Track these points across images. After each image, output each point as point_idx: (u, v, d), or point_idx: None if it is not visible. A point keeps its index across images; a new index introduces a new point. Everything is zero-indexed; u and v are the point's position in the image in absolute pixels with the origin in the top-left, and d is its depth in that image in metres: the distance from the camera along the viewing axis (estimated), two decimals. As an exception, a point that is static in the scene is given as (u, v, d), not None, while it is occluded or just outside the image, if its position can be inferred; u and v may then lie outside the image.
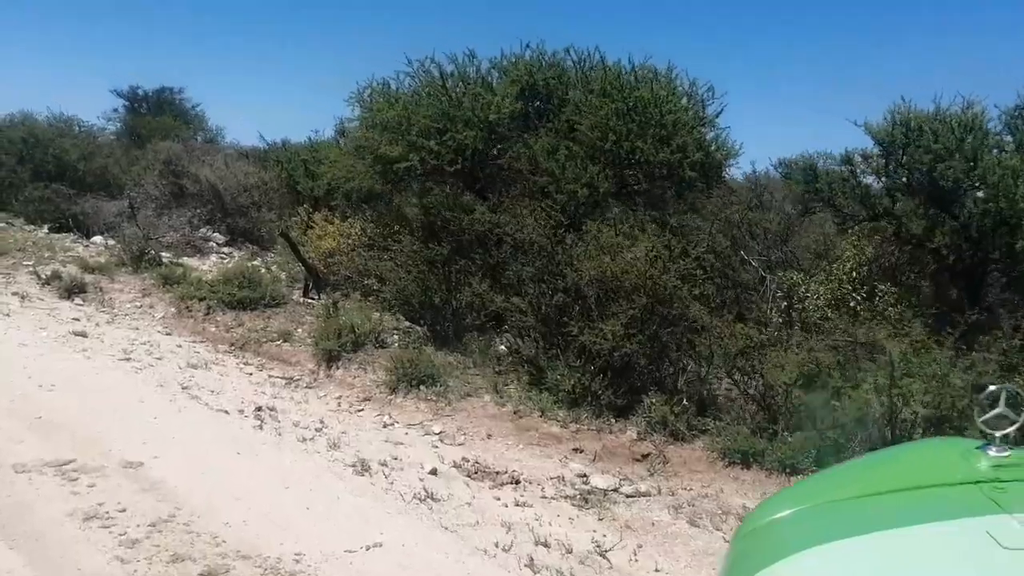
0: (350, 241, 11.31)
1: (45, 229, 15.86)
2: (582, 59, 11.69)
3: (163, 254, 14.13)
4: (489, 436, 7.32)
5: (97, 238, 15.48)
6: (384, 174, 10.68)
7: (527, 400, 7.97)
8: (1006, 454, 1.57)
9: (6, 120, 18.65)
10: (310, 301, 11.54)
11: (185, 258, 14.89)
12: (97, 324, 9.78)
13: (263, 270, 13.42)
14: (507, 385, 8.35)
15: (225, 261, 15.96)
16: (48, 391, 6.56)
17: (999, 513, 1.38)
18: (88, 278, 11.62)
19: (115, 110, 38.51)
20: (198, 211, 16.77)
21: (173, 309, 10.80)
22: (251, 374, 8.69)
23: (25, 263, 12.23)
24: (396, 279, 9.91)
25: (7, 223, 15.29)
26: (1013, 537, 1.29)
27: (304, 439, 6.40)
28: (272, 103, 67.51)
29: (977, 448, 1.63)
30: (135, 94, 39.45)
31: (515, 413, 7.74)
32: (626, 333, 7.51)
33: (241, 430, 6.32)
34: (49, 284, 11.32)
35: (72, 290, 11.05)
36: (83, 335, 8.90)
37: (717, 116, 10.83)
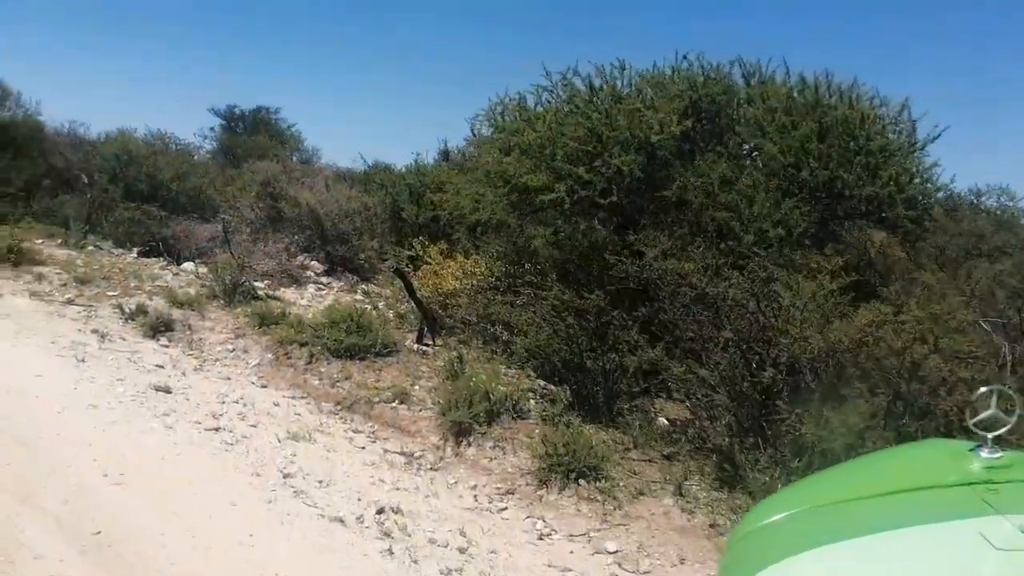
0: (475, 281, 9.72)
1: (134, 253, 14.91)
2: (751, 71, 9.91)
3: (257, 284, 12.89)
4: (682, 560, 5.54)
5: (188, 265, 14.41)
6: (518, 205, 9.06)
7: (721, 505, 6.16)
8: (998, 456, 1.56)
9: (101, 137, 17.91)
10: (425, 348, 9.99)
11: (281, 288, 13.63)
12: (183, 373, 8.43)
13: (369, 308, 12.00)
14: (688, 480, 6.54)
15: (323, 293, 14.71)
16: (114, 484, 5.12)
17: (992, 514, 1.37)
18: (176, 313, 10.37)
19: (211, 129, 38.57)
20: (296, 237, 15.57)
21: (270, 355, 9.40)
22: (364, 448, 7.15)
23: (109, 293, 11.09)
24: (533, 330, 8.25)
25: (96, 246, 14.36)
26: (1006, 538, 1.28)
27: (449, 572, 4.72)
28: (365, 124, 67.65)
29: (970, 450, 1.61)
30: (232, 113, 39.48)
31: (711, 527, 5.92)
32: (867, 426, 5.63)
33: (366, 557, 4.69)
34: (133, 320, 10.11)
35: (158, 328, 9.79)
36: (166, 390, 7.52)
37: (933, 141, 8.85)
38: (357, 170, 23.60)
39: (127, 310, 10.26)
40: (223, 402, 7.64)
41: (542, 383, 8.78)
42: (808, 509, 1.68)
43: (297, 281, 15.08)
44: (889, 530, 1.45)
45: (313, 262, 15.98)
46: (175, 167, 16.86)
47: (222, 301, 11.56)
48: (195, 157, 20.21)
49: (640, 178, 8.69)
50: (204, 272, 13.68)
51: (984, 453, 1.59)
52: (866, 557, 1.42)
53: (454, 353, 9.01)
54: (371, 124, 66.81)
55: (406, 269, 10.71)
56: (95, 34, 68.90)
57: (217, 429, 6.62)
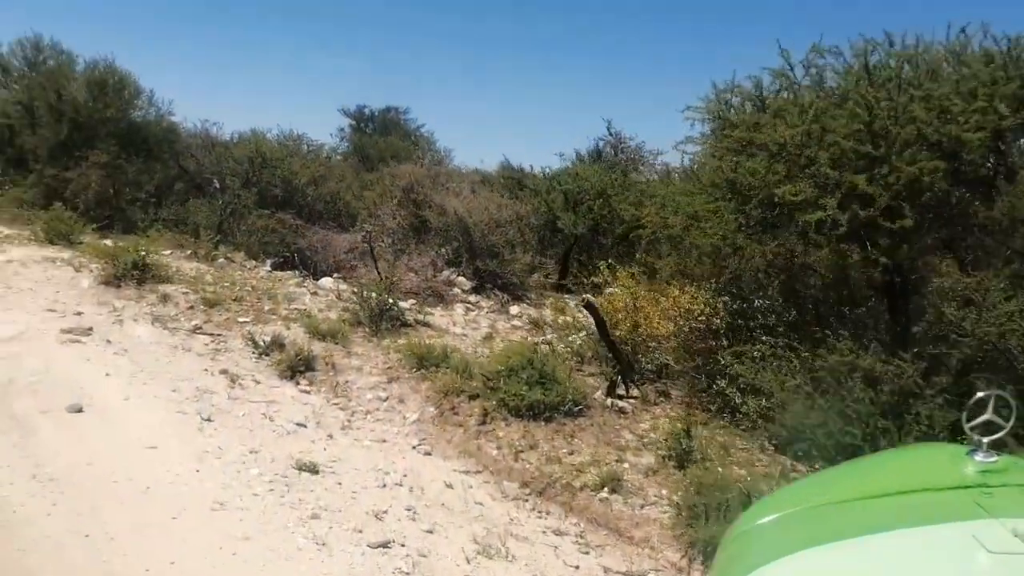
0: (692, 323, 7.61)
1: (267, 266, 13.56)
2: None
3: (402, 304, 11.19)
4: None
5: (326, 280, 12.93)
6: (762, 223, 6.90)
7: None
8: (993, 459, 1.57)
9: (234, 138, 16.80)
10: (621, 404, 7.96)
11: (426, 309, 11.90)
12: (330, 435, 6.73)
13: (540, 344, 10.09)
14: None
15: (474, 315, 12.92)
16: None
17: (986, 518, 1.38)
18: (317, 347, 8.77)
19: (341, 129, 38.03)
20: (442, 250, 13.86)
21: (432, 408, 7.60)
22: (577, 567, 5.15)
23: (241, 319, 9.60)
24: (795, 399, 6.06)
25: (227, 258, 13.08)
26: (999, 542, 1.29)
27: None
28: (487, 124, 66.52)
29: (965, 453, 1.62)
30: (361, 113, 38.89)
31: None
32: None
33: None
34: (267, 355, 8.54)
35: (296, 367, 8.18)
36: (311, 469, 5.78)
37: None
38: (485, 171, 22.05)
39: (261, 342, 8.70)
40: (383, 485, 5.85)
41: (791, 463, 6.60)
42: (802, 510, 1.68)
43: (443, 300, 13.36)
44: (882, 531, 1.45)
45: (460, 278, 14.25)
46: (311, 171, 15.51)
47: (367, 329, 9.93)
48: (330, 160, 18.85)
49: (940, 192, 6.35)
50: (345, 290, 12.14)
51: (979, 457, 1.58)
52: (859, 558, 1.41)
53: (673, 422, 6.95)
54: (494, 124, 65.69)
55: (591, 299, 8.67)
56: (225, 29, 70.71)
57: (386, 545, 4.77)
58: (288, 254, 14.12)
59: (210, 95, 57.72)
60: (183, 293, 10.29)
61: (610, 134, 20.13)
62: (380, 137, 31.40)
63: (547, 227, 15.31)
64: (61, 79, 14.44)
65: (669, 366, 8.54)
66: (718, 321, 7.55)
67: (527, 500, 6.17)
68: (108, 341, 8.10)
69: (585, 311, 8.41)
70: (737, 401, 6.93)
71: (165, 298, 9.94)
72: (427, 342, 9.34)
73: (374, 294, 10.26)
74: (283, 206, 15.07)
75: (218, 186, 14.15)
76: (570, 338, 10.49)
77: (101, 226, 13.77)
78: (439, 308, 12.83)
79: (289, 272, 13.41)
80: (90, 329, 8.36)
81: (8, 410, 5.94)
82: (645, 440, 7.30)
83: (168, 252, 12.90)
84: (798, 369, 6.20)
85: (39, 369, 6.88)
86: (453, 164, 31.37)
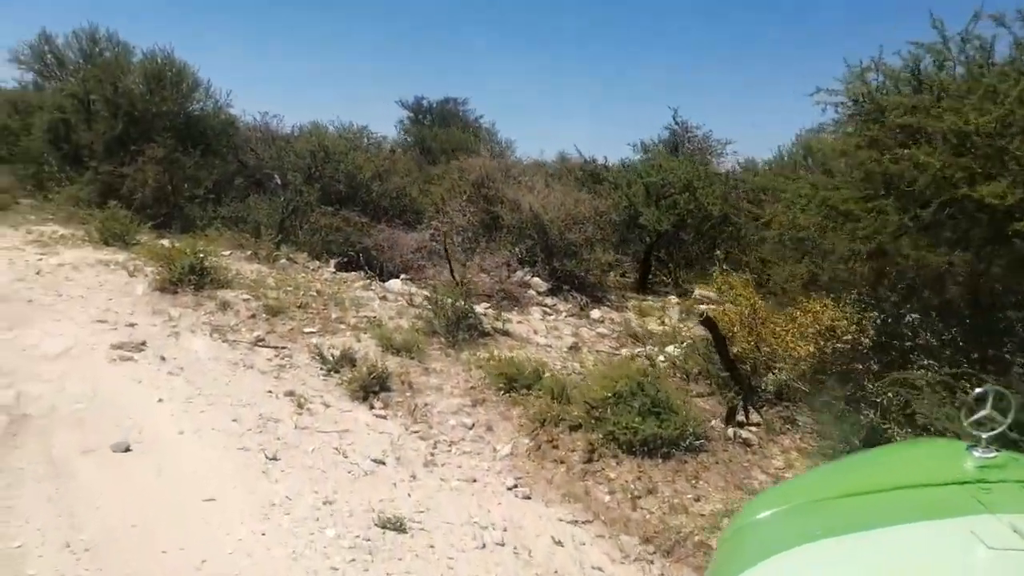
0: (836, 344, 6.44)
1: (331, 267, 12.71)
2: None
3: (476, 308, 10.22)
4: None
5: (394, 283, 12.03)
6: (935, 226, 5.73)
7: None
8: (992, 455, 1.55)
9: (295, 131, 16.01)
10: (744, 435, 6.84)
11: (503, 314, 10.91)
12: (413, 475, 5.78)
13: (642, 358, 9.04)
14: None
15: (552, 319, 11.90)
16: None
17: (984, 513, 1.38)
18: (391, 363, 7.85)
19: (400, 121, 37.36)
20: (516, 248, 12.84)
21: (526, 440, 6.59)
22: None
23: (306, 329, 8.74)
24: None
25: (289, 259, 12.26)
26: (998, 537, 1.29)
27: None
28: (555, 115, 65.37)
29: (964, 449, 1.60)
30: (419, 105, 38.14)
31: None
32: None
33: None
34: (337, 372, 7.64)
35: (369, 387, 7.26)
36: (397, 527, 4.83)
37: None
38: (544, 162, 20.95)
39: (329, 357, 7.81)
40: (482, 544, 4.87)
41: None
42: (799, 505, 1.68)
43: (518, 303, 12.38)
44: (880, 527, 1.44)
45: (535, 279, 13.23)
46: (375, 165, 14.64)
47: (443, 340, 8.99)
48: (394, 153, 17.96)
49: None
50: (415, 294, 11.23)
51: (978, 453, 1.57)
52: (857, 553, 1.40)
53: (809, 458, 5.82)
54: (547, 115, 64.51)
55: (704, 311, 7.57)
56: (280, 21, 70.78)
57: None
58: (352, 254, 13.28)
59: (263, 88, 57.70)
60: (244, 300, 9.47)
61: (676, 123, 18.93)
62: (440, 129, 30.56)
63: (627, 224, 14.16)
64: (117, 71, 13.80)
65: (791, 386, 7.39)
66: (866, 340, 6.37)
67: (652, 562, 5.12)
68: (162, 358, 7.27)
69: (703, 327, 7.29)
70: (896, 436, 5.76)
71: (225, 305, 9.12)
72: (511, 356, 8.37)
73: (450, 300, 9.29)
74: (346, 203, 14.25)
75: (279, 182, 13.36)
76: (668, 349, 9.40)
77: (157, 224, 13.10)
78: (515, 312, 11.86)
79: (354, 273, 12.55)
80: (143, 343, 7.55)
81: (46, 450, 5.12)
82: (777, 480, 6.19)
83: (227, 253, 12.14)
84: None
85: (85, 394, 6.06)
86: (516, 156, 30.49)
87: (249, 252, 12.33)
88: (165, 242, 12.52)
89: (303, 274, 11.74)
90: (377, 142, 18.61)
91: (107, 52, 14.73)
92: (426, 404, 7.27)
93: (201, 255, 9.83)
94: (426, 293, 11.00)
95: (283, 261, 12.21)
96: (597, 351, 10.13)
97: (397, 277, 12.81)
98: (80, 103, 14.72)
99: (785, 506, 1.70)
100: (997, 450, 1.57)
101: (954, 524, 1.39)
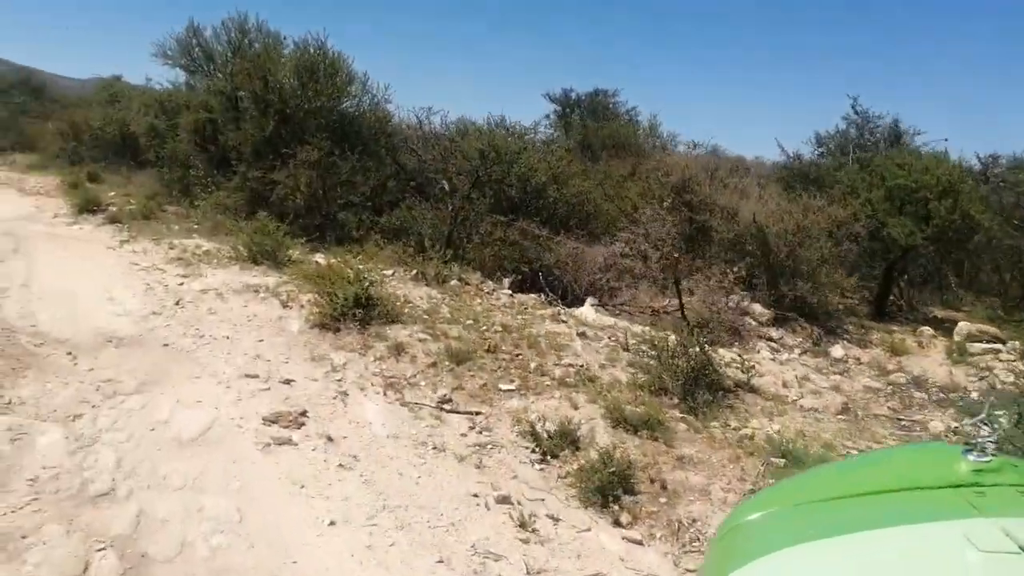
0: None
1: (505, 287, 10.71)
2: None
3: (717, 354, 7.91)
4: None
5: (587, 311, 9.90)
6: None
7: None
8: (987, 459, 1.55)
9: (454, 125, 14.12)
10: None
11: (721, 349, 8.59)
12: None
13: (947, 435, 6.55)
14: None
15: (785, 359, 9.47)
16: None
17: (977, 517, 1.39)
18: (629, 444, 5.68)
19: (547, 116, 35.43)
20: (736, 268, 10.42)
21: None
22: None
23: (503, 387, 6.73)
24: None
25: (460, 279, 10.30)
26: (990, 541, 1.30)
27: None
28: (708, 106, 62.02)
29: (959, 453, 1.59)
30: (568, 98, 36.07)
31: None
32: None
33: None
34: (555, 458, 5.56)
35: (607, 490, 5.10)
36: None
37: None
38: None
39: (544, 435, 5.72)
40: None
41: None
42: (792, 506, 1.68)
43: (739, 335, 10.03)
44: (872, 529, 1.44)
45: (754, 304, 10.78)
46: (551, 167, 12.54)
47: (677, 401, 6.78)
48: (568, 151, 15.81)
49: None
50: (620, 328, 9.05)
51: (972, 456, 1.56)
52: (848, 554, 1.40)
53: None
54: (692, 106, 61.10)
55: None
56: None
57: None
58: (528, 271, 11.25)
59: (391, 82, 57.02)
60: (419, 339, 7.56)
61: (856, 112, 15.97)
62: (593, 123, 28.28)
63: (869, 237, 11.47)
64: (267, 64, 12.31)
65: None
66: None
67: None
68: (328, 438, 5.38)
69: None
70: None
71: (398, 349, 7.23)
72: (775, 429, 6.07)
73: (687, 348, 7.05)
74: (516, 211, 12.22)
75: (446, 188, 11.47)
76: (1000, 423, 6.80)
77: (311, 238, 11.47)
78: (734, 346, 9.52)
79: (532, 296, 10.50)
80: (303, 414, 5.69)
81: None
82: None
83: (390, 272, 10.35)
84: None
85: (228, 517, 4.18)
86: (678, 150, 27.80)
87: (414, 271, 10.47)
88: (319, 258, 10.87)
89: (478, 299, 9.77)
90: (546, 141, 16.58)
91: (256, 44, 13.33)
92: (692, 519, 5.05)
93: (366, 283, 7.98)
94: (638, 329, 8.81)
95: (454, 282, 10.29)
96: (875, 415, 7.64)
97: (582, 300, 10.68)
98: (228, 101, 13.37)
99: (778, 507, 1.69)
100: (993, 454, 1.55)
101: (946, 527, 1.39)
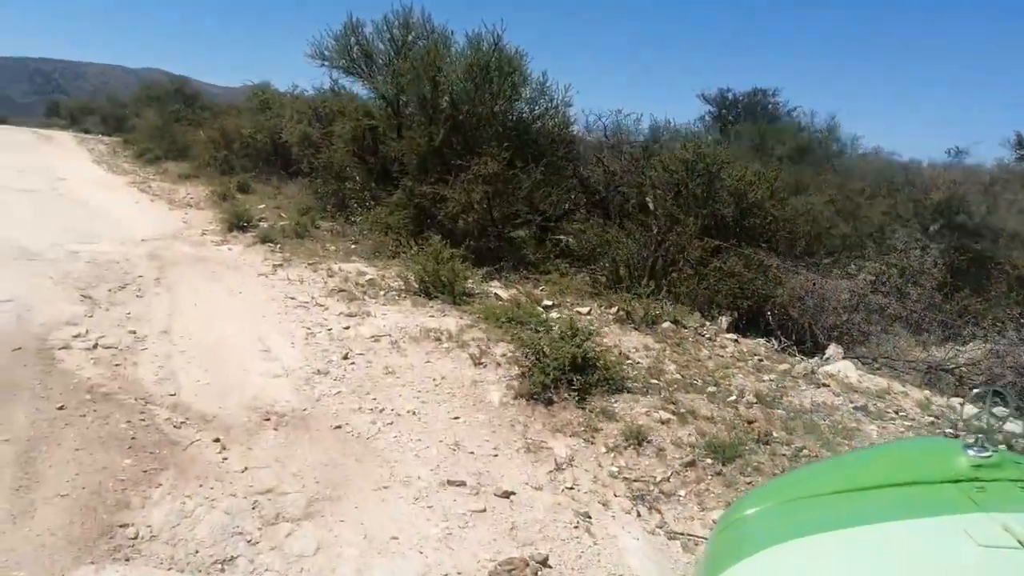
0: None
1: (722, 326, 8.61)
2: None
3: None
4: None
5: (843, 368, 7.65)
6: None
7: None
8: (987, 454, 1.58)
9: (644, 130, 12.10)
10: None
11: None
12: None
13: None
14: None
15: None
16: None
17: (977, 512, 1.40)
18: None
19: (702, 117, 33.02)
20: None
21: None
22: None
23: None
24: None
25: (675, 322, 8.27)
26: (990, 535, 1.30)
27: None
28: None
29: (959, 448, 1.62)
30: (724, 98, 33.51)
31: None
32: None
33: None
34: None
35: None
36: None
37: None
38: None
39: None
40: None
41: None
42: (792, 501, 1.66)
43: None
44: (873, 523, 1.43)
45: (1055, 361, 8.23)
46: (767, 182, 10.32)
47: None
48: (782, 163, 13.49)
49: None
50: (890, 391, 6.80)
51: (973, 452, 1.58)
52: (849, 548, 1.39)
53: None
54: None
55: None
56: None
57: None
58: (747, 307, 9.11)
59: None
60: (660, 420, 5.60)
61: None
62: (765, 125, 25.61)
63: None
64: (435, 64, 10.67)
65: None
66: None
67: None
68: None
69: None
70: None
71: (636, 436, 5.29)
72: None
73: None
74: (722, 233, 10.09)
75: (650, 206, 9.48)
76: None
77: (485, 263, 9.73)
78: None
79: (758, 340, 8.36)
80: (543, 563, 3.82)
81: None
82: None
83: (585, 311, 8.46)
84: None
85: None
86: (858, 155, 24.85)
87: (616, 309, 8.54)
88: (498, 289, 9.11)
89: (704, 349, 7.72)
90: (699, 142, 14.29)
91: (421, 41, 11.76)
92: None
93: (583, 339, 6.09)
94: (919, 395, 6.56)
95: (666, 324, 8.28)
96: None
97: (820, 346, 8.47)
98: (390, 106, 11.85)
99: (778, 501, 1.67)
100: (993, 450, 1.56)
101: (947, 522, 1.40)
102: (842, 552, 1.39)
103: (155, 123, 23.47)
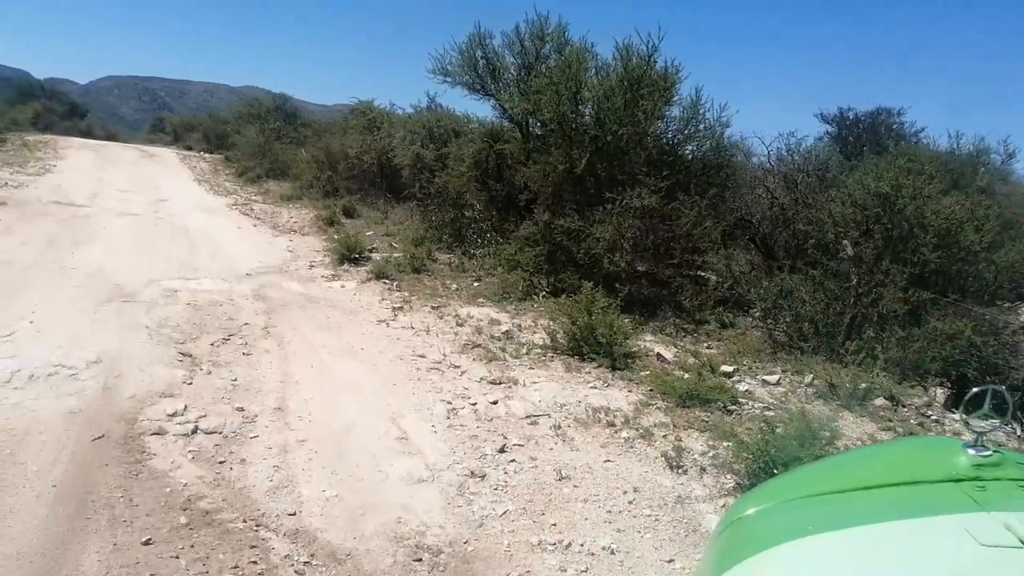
0: None
1: (937, 399, 6.84)
2: None
3: None
4: None
5: None
6: None
7: None
8: (987, 453, 1.57)
9: (808, 150, 10.38)
10: None
11: None
12: None
13: None
14: None
15: None
16: None
17: (978, 511, 1.40)
18: None
19: (819, 139, 30.79)
20: None
21: None
22: None
23: None
24: None
25: (891, 398, 6.55)
26: (991, 535, 1.30)
27: None
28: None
29: (959, 447, 1.62)
30: (844, 118, 31.18)
31: None
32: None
33: None
34: None
35: None
36: None
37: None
38: None
39: None
40: None
41: None
42: (793, 500, 1.65)
43: None
44: (874, 523, 1.43)
45: None
46: (978, 219, 8.46)
47: None
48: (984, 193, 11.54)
49: None
50: None
51: (973, 451, 1.58)
52: (850, 548, 1.39)
53: None
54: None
55: None
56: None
57: None
58: (969, 374, 7.31)
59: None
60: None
61: None
62: (906, 148, 23.28)
63: None
64: (575, 76, 9.21)
65: None
66: None
67: None
68: None
69: None
70: None
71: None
72: None
73: None
74: (924, 282, 8.28)
75: (849, 252, 7.76)
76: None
77: (635, 312, 8.20)
78: None
79: (991, 422, 6.55)
80: None
81: None
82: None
83: (773, 380, 6.84)
84: None
85: None
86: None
87: (810, 377, 6.89)
88: (659, 347, 7.58)
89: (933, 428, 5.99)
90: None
91: (554, 53, 10.32)
92: None
93: (823, 441, 4.50)
94: None
95: (879, 401, 6.57)
96: None
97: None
98: (518, 126, 10.47)
99: (779, 501, 1.66)
100: (994, 449, 1.55)
101: (948, 521, 1.38)
102: (843, 552, 1.36)
103: (256, 141, 22.82)
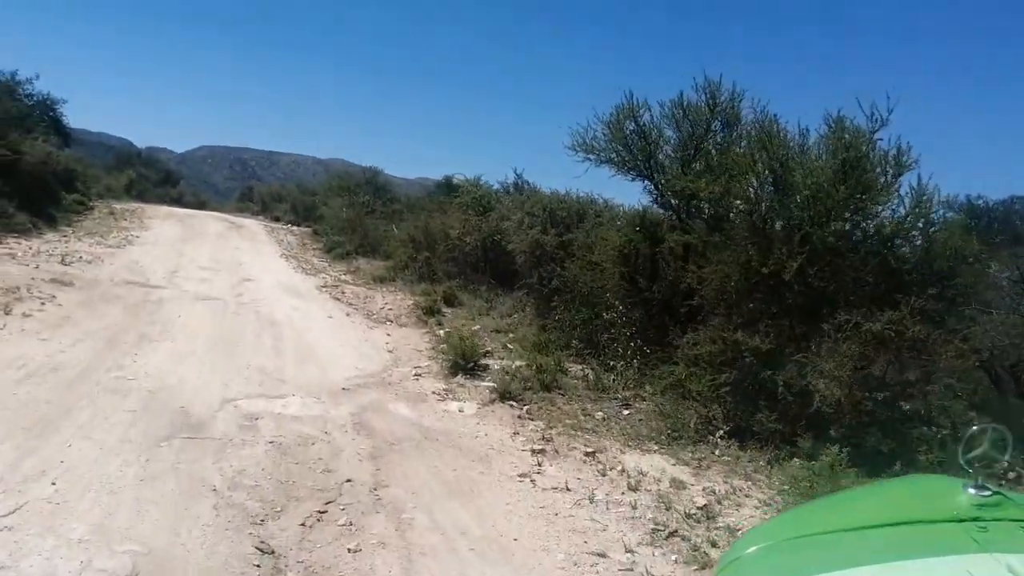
0: None
1: None
2: None
3: None
4: None
5: None
6: None
7: None
8: (988, 493, 1.52)
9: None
10: None
11: None
12: None
13: None
14: None
15: None
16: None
17: (980, 552, 1.34)
18: None
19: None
20: None
21: None
22: None
23: None
24: None
25: None
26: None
27: None
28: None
29: (960, 487, 1.56)
30: (974, 206, 28.41)
31: None
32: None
33: None
34: None
35: None
36: None
37: None
38: None
39: None
40: None
41: None
42: (792, 540, 1.60)
43: None
44: (875, 563, 1.38)
45: None
46: None
47: None
48: None
49: None
50: None
51: (973, 491, 1.53)
52: None
53: None
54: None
55: None
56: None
57: None
58: None
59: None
60: None
61: None
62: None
63: None
64: (779, 159, 7.04)
65: None
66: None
67: None
68: None
69: None
70: None
71: None
72: None
73: None
74: None
75: None
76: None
77: (870, 473, 5.85)
78: None
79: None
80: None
81: None
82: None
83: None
84: None
85: None
86: None
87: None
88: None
89: None
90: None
91: (733, 122, 8.25)
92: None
93: None
94: None
95: None
96: None
97: None
98: (675, 213, 8.38)
99: (779, 540, 1.61)
100: (995, 489, 1.50)
101: (950, 562, 1.33)
102: None
103: (346, 215, 21.37)
